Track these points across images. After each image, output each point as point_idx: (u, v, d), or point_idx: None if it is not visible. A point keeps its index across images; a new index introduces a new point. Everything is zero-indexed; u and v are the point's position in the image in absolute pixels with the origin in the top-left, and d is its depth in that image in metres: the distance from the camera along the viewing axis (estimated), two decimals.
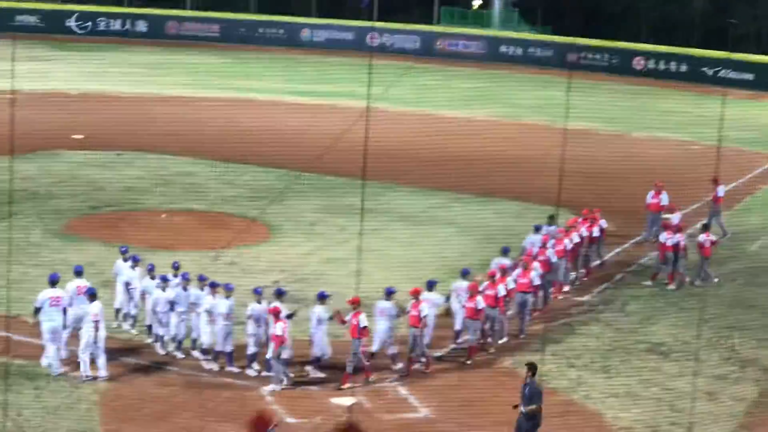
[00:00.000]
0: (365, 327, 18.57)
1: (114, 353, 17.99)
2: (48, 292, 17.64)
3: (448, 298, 20.00)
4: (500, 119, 45.39)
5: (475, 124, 43.74)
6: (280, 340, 17.95)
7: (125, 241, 21.63)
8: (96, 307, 17.22)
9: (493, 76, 58.17)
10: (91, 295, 17.37)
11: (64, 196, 28.73)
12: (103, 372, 17.33)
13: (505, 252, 21.59)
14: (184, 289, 18.41)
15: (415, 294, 19.16)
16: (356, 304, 18.50)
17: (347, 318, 18.53)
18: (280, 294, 18.73)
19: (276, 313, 18.19)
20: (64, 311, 17.53)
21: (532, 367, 15.29)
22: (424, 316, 18.99)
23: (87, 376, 17.16)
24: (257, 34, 66.42)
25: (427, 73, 57.11)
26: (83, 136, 35.36)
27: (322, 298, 18.96)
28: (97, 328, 17.14)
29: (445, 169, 33.67)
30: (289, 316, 18.18)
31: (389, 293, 19.36)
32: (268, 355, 18.04)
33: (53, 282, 17.81)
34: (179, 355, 18.49)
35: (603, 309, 22.39)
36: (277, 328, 17.93)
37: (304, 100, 47.07)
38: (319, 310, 18.75)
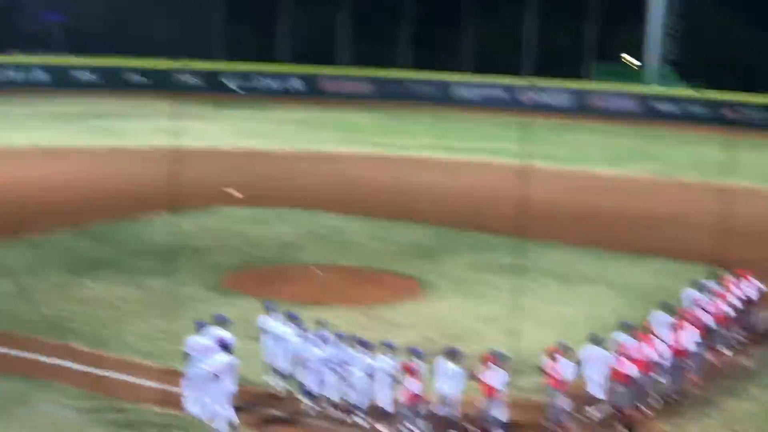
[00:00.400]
0: (493, 386, 17.75)
1: (260, 406, 18.11)
2: (195, 339, 17.82)
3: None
4: (654, 176, 44.59)
5: (629, 182, 43.11)
6: (416, 397, 17.64)
7: (278, 296, 21.82)
8: (223, 358, 17.20)
9: (647, 133, 57.44)
10: (224, 347, 17.34)
11: (220, 251, 29.11)
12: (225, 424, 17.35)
13: (663, 308, 20.92)
14: (330, 344, 18.30)
15: (552, 354, 18.46)
16: (489, 361, 17.97)
17: (481, 375, 17.88)
18: (415, 353, 18.31)
19: (409, 370, 17.86)
20: (203, 360, 17.63)
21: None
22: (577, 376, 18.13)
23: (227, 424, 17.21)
24: (410, 91, 66.88)
25: (579, 130, 56.74)
26: (239, 192, 35.84)
27: (452, 353, 18.44)
28: (222, 379, 17.12)
29: (599, 227, 33.17)
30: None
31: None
32: (405, 412, 17.81)
33: (200, 328, 18.00)
34: (327, 410, 18.37)
35: (765, 372, 21.47)
36: (412, 385, 17.61)
37: (456, 156, 47.03)
38: (449, 366, 18.21)
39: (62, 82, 64.63)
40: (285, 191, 36.90)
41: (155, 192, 33.92)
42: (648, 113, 62.28)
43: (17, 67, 65.45)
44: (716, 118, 57.81)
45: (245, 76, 68.16)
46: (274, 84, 68.06)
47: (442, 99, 66.13)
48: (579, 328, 21.53)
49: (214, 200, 34.74)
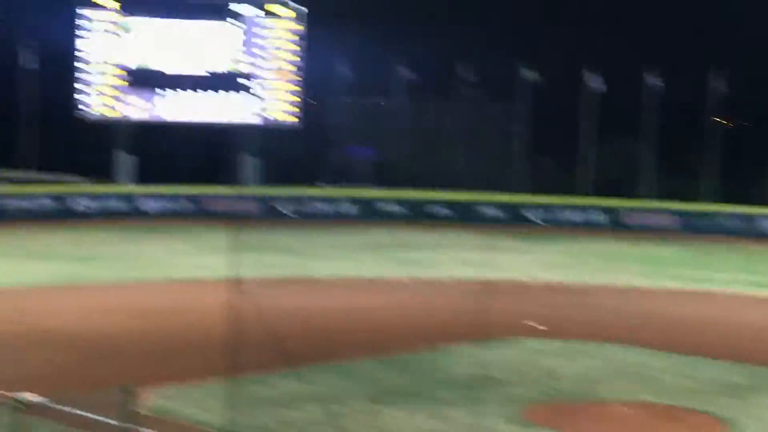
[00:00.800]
0: None
1: None
2: None
3: None
4: None
5: None
6: None
7: None
8: None
9: None
10: None
11: (522, 383, 28.75)
12: None
13: None
14: None
15: None
16: None
17: None
18: None
19: None
20: None
21: None
22: None
23: None
24: (716, 224, 65.01)
25: None
26: (540, 324, 35.58)
27: None
28: None
29: None
30: None
31: None
32: None
33: None
34: None
35: None
36: None
37: (766, 293, 45.00)
38: None
39: (368, 214, 66.82)
40: (585, 324, 36.36)
41: (457, 323, 34.39)
42: None
43: (325, 199, 68.19)
44: None
45: (547, 208, 68.26)
46: (575, 216, 67.72)
47: (750, 233, 63.83)
48: None
49: (516, 332, 34.41)
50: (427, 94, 75.56)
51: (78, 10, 64.20)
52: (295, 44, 67.10)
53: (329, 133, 76.45)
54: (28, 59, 67.19)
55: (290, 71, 67.24)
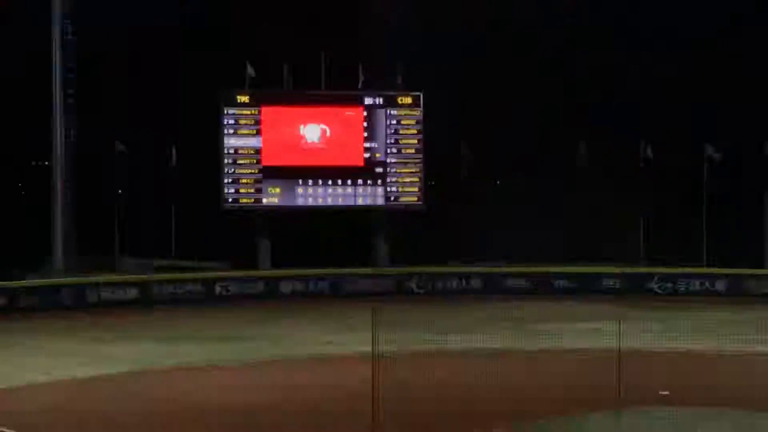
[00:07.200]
0: None
1: None
2: None
3: None
4: None
5: None
6: None
7: None
8: None
9: None
10: None
11: None
12: None
13: None
14: None
15: None
16: None
17: None
18: None
19: None
20: None
21: None
22: None
23: None
24: None
25: None
26: (667, 391, 35.13)
27: None
28: None
29: None
30: None
31: None
32: None
33: None
34: None
35: None
36: None
37: None
38: None
39: (495, 289, 66.52)
40: (711, 391, 35.54)
41: (592, 392, 34.39)
42: None
43: (457, 275, 68.18)
44: None
45: (670, 277, 66.55)
46: (697, 285, 65.95)
47: None
48: None
49: (646, 402, 33.67)
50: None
51: (225, 110, 65.31)
52: (416, 129, 66.99)
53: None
54: (180, 157, 69.05)
55: (414, 156, 66.98)
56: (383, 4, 70.35)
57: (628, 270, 67.13)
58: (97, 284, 62.28)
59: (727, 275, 66.43)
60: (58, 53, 66.02)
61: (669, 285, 66.38)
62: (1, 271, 60.93)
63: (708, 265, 68.31)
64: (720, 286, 66.11)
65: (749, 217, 71.13)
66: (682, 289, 66.16)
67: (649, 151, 69.52)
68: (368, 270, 67.44)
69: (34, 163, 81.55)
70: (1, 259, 62.30)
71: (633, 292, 64.78)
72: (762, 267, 68.09)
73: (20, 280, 62.28)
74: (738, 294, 64.60)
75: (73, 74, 66.90)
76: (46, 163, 70.41)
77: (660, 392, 34.72)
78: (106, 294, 61.86)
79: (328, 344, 47.87)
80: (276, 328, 53.54)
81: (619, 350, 36.10)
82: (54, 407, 33.40)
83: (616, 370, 33.07)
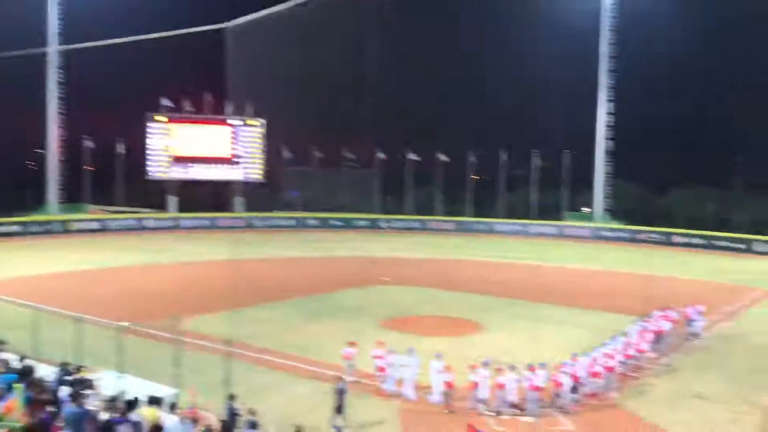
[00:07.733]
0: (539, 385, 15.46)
1: None
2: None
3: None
4: (603, 270, 42.00)
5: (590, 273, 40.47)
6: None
7: (410, 331, 22.11)
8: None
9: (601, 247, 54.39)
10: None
11: (379, 308, 27.88)
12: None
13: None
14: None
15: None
16: (534, 369, 15.73)
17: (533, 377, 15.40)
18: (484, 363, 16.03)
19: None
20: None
21: None
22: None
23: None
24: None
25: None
26: (388, 278, 34.77)
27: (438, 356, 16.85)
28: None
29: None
30: None
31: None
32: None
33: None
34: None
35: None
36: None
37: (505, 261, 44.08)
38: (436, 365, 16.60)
39: (299, 226, 64.82)
40: (414, 277, 35.67)
41: (347, 278, 34.22)
42: (596, 236, 59.93)
43: (281, 218, 66.12)
44: (630, 239, 55.76)
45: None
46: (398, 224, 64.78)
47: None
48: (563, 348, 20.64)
49: (375, 282, 34.18)
50: None
51: (148, 123, 61.82)
52: (261, 139, 65.70)
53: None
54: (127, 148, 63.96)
55: (258, 153, 65.67)
56: (243, 65, 68.03)
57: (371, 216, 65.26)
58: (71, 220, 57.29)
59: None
60: None
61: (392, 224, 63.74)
62: None
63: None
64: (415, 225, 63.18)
65: None
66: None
67: None
68: (231, 214, 65.94)
69: None
70: None
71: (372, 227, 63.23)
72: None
73: None
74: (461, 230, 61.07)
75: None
76: None
77: (384, 278, 34.73)
78: (78, 224, 56.41)
79: (199, 253, 44.37)
80: (180, 246, 49.74)
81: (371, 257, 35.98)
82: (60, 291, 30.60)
83: (369, 268, 33.39)
